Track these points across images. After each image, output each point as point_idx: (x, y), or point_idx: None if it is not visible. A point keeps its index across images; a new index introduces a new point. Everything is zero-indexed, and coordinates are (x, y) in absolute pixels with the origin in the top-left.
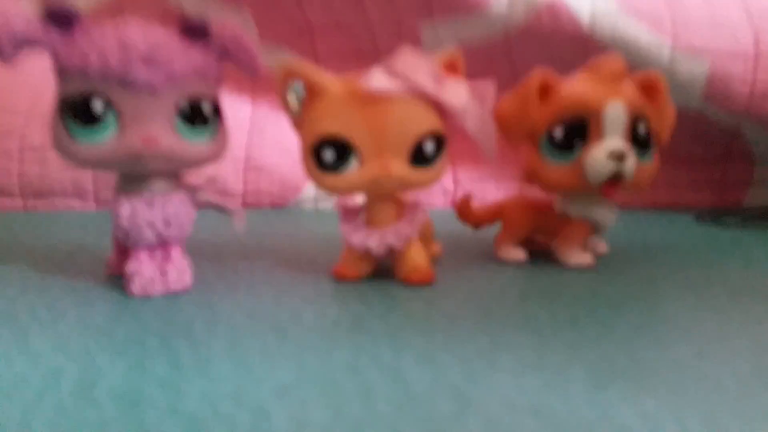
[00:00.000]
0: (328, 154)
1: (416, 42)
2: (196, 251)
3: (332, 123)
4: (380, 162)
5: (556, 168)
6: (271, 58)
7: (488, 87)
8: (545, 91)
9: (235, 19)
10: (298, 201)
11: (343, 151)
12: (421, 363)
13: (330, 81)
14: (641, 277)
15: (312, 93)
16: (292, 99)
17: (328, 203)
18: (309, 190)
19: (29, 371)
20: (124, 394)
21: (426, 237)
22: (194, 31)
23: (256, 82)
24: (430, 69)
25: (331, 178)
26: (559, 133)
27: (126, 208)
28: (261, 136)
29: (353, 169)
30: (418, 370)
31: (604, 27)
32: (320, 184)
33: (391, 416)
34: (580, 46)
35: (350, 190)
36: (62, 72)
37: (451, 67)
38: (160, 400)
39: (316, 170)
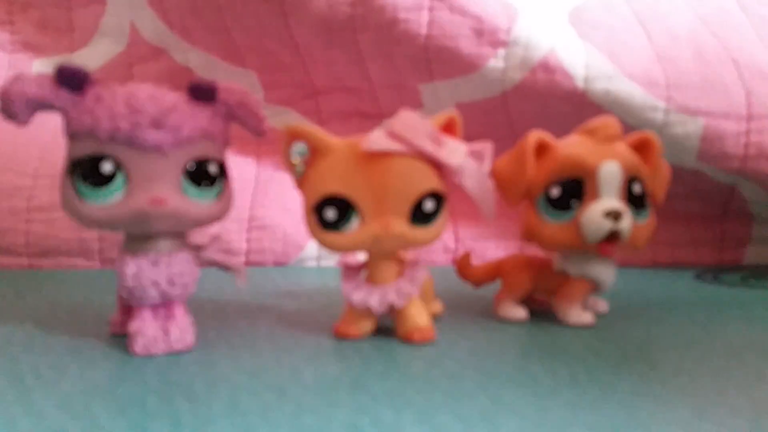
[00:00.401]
0: (330, 212)
1: (416, 101)
2: (198, 309)
3: (334, 182)
4: (381, 220)
5: (553, 226)
6: (276, 120)
7: (486, 147)
8: (541, 151)
9: (242, 82)
10: (301, 259)
11: (345, 209)
12: (422, 423)
13: (332, 141)
14: (641, 336)
15: (315, 153)
16: (296, 159)
17: (331, 261)
18: (311, 248)
19: (33, 430)
20: None
21: (427, 295)
22: (202, 94)
23: (260, 143)
24: (428, 130)
25: (332, 236)
26: (555, 192)
27: (131, 267)
28: (265, 196)
29: (354, 227)
30: (419, 430)
31: (598, 87)
32: (322, 242)
33: None
34: (576, 105)
35: (351, 248)
36: (72, 133)
37: (449, 128)
38: None
39: (318, 228)
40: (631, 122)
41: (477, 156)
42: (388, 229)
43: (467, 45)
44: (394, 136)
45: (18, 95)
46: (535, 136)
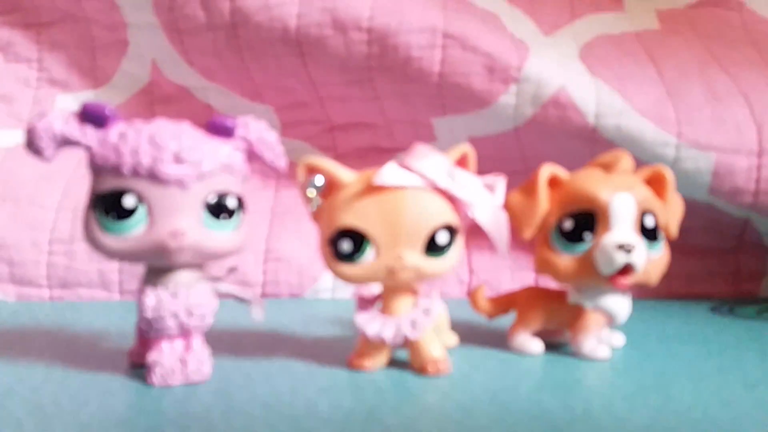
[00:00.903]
0: (345, 244)
1: (430, 135)
2: (215, 341)
3: (349, 215)
4: (395, 252)
5: (567, 259)
6: (293, 154)
7: (499, 181)
8: (554, 185)
9: (260, 117)
10: (316, 290)
11: (360, 241)
12: None
13: (348, 175)
14: (656, 369)
15: (331, 187)
16: (312, 193)
17: (345, 292)
18: (326, 280)
19: None
20: None
21: (441, 327)
22: (222, 129)
23: (278, 177)
24: (442, 164)
25: (347, 268)
26: (568, 225)
27: (152, 299)
28: (281, 228)
29: (369, 259)
30: None
31: (610, 123)
32: (337, 274)
33: None
34: (587, 140)
35: (366, 279)
36: (96, 168)
37: (462, 162)
38: None
39: (333, 260)
40: (642, 157)
41: (490, 189)
42: (401, 261)
43: (479, 81)
44: (408, 169)
45: (44, 132)
46: (547, 169)
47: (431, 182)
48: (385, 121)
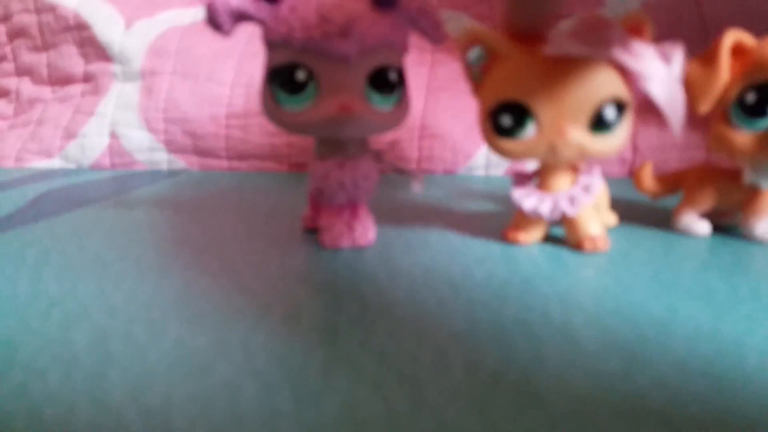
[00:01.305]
0: (506, 119)
1: (599, 2)
2: (377, 210)
3: (510, 88)
4: (558, 127)
5: (746, 135)
6: (452, 25)
7: (677, 52)
8: (738, 53)
9: None
10: (470, 167)
11: (521, 115)
12: (591, 325)
13: (510, 46)
14: None
15: (493, 58)
16: (473, 63)
17: (499, 170)
18: (480, 156)
19: (246, 305)
20: (323, 328)
21: (601, 206)
22: (385, 2)
23: (433, 51)
24: (614, 32)
25: (507, 143)
26: (751, 98)
27: (320, 170)
28: (436, 105)
29: (530, 134)
30: (588, 330)
31: None
32: (496, 149)
33: (558, 367)
34: None
35: (526, 155)
36: (270, 43)
37: (636, 30)
38: (353, 335)
39: (492, 135)
40: None
41: (666, 60)
42: (565, 137)
43: None
44: (576, 37)
45: (222, 6)
46: (731, 36)
47: (601, 52)
48: None
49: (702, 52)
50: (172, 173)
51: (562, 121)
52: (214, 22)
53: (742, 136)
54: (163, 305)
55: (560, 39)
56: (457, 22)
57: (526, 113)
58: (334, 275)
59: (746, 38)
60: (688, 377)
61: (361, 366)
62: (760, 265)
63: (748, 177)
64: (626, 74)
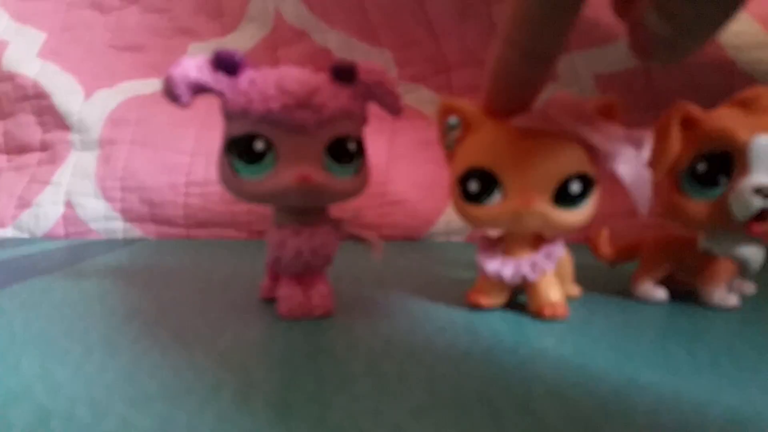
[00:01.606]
0: (473, 184)
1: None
2: (337, 279)
3: (480, 155)
4: (523, 197)
5: (698, 204)
6: (408, 97)
7: (646, 135)
8: (688, 124)
9: (377, 60)
10: (431, 234)
11: (489, 183)
12: (552, 396)
13: (483, 118)
14: None
15: (466, 128)
16: (448, 133)
17: (460, 237)
18: (441, 223)
19: (195, 382)
20: (277, 406)
21: (564, 275)
22: (343, 74)
23: (393, 121)
24: (582, 111)
25: (474, 209)
26: (702, 167)
27: (278, 238)
28: (397, 172)
29: (497, 201)
30: (549, 402)
31: (751, 57)
32: (463, 214)
33: None
34: (725, 75)
35: (491, 221)
36: (229, 114)
37: (607, 113)
38: (308, 413)
39: (460, 200)
40: None
41: (635, 143)
42: (529, 207)
43: (606, 14)
44: (546, 115)
45: (180, 79)
46: (681, 108)
47: (568, 128)
48: None
49: (652, 122)
50: (128, 242)
51: (528, 191)
52: (171, 93)
53: (695, 205)
54: (109, 383)
55: (534, 114)
56: (412, 95)
57: (494, 181)
58: (290, 348)
59: (695, 110)
60: None
61: None
62: (718, 332)
63: (702, 244)
64: (593, 152)
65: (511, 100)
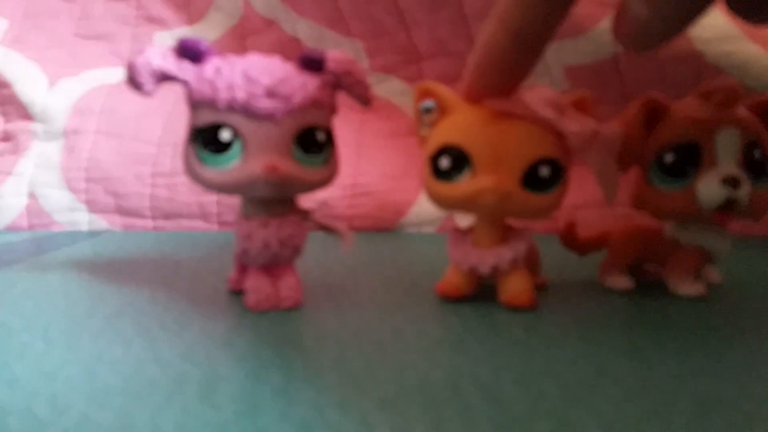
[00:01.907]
0: (444, 161)
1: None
2: (306, 271)
3: (453, 134)
4: (492, 175)
5: (666, 194)
6: (379, 87)
7: (614, 130)
8: (655, 116)
9: (348, 50)
10: (402, 225)
11: (459, 160)
12: (520, 386)
13: (459, 101)
14: (756, 309)
15: (442, 111)
16: (425, 116)
17: (431, 228)
18: (412, 215)
19: (159, 376)
20: (243, 400)
21: (532, 264)
22: (312, 64)
23: (363, 111)
24: (554, 98)
25: (442, 186)
26: (669, 158)
27: (245, 229)
28: (367, 163)
29: (465, 179)
30: (517, 392)
31: (718, 49)
32: (432, 193)
33: None
34: (693, 67)
35: (459, 199)
36: (194, 103)
37: (581, 107)
38: (275, 406)
39: (430, 177)
40: (752, 85)
41: (605, 136)
42: (497, 185)
43: (578, 5)
44: (522, 101)
45: (143, 67)
46: (647, 99)
47: (544, 116)
48: (471, 48)
49: (621, 111)
50: (93, 234)
51: (497, 170)
52: (134, 81)
53: (662, 195)
54: (70, 378)
55: (511, 99)
56: (383, 85)
57: (465, 159)
58: (257, 340)
59: (662, 101)
60: None
61: None
62: (685, 321)
63: (669, 233)
64: (565, 141)
65: (495, 83)
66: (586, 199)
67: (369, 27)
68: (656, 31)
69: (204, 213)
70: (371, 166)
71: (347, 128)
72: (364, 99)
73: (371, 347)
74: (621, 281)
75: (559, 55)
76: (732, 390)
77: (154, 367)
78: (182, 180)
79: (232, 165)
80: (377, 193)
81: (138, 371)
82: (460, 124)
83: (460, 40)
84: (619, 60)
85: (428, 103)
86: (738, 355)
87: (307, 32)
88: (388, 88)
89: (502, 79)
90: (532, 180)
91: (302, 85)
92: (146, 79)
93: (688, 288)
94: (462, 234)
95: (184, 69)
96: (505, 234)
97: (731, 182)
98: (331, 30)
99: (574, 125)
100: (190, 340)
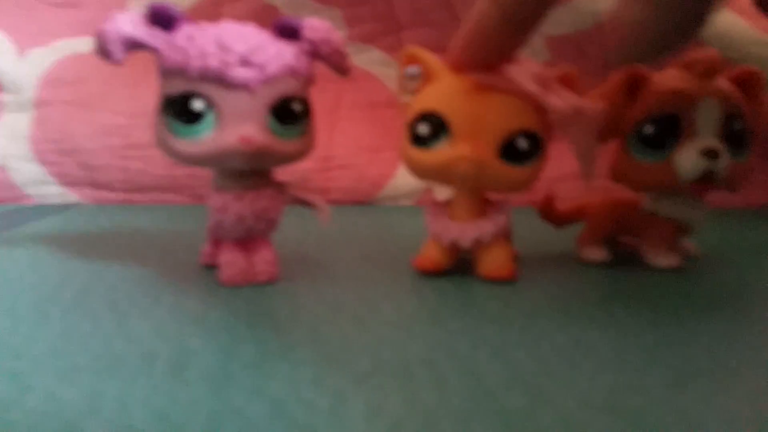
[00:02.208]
0: (423, 127)
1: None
2: (282, 244)
3: (434, 101)
4: (470, 143)
5: (645, 166)
6: (358, 57)
7: (597, 107)
8: (635, 87)
9: (326, 18)
10: (380, 198)
11: (438, 127)
12: (496, 358)
13: (445, 69)
14: (731, 280)
15: (427, 78)
16: (409, 83)
17: (409, 201)
18: (390, 188)
19: (128, 353)
20: (214, 376)
21: (508, 237)
22: (288, 31)
23: (341, 82)
24: (538, 72)
25: (420, 153)
26: (649, 129)
27: (219, 202)
28: (344, 135)
29: (443, 146)
30: (493, 365)
31: None
32: (408, 158)
33: (463, 407)
34: None
35: (436, 167)
36: (165, 71)
37: (566, 83)
38: (247, 382)
39: (408, 144)
40: (733, 56)
41: (589, 112)
42: (473, 154)
43: None
44: (507, 74)
45: (113, 34)
46: (628, 69)
47: (521, 86)
48: (454, 19)
49: (602, 82)
50: (64, 207)
51: (475, 138)
52: (103, 50)
53: (641, 167)
54: (35, 356)
55: (496, 72)
56: (362, 55)
57: (444, 126)
58: (231, 316)
59: (642, 72)
60: (591, 412)
61: (252, 417)
62: (660, 292)
63: (646, 205)
64: (546, 116)
65: (483, 58)
66: (564, 172)
67: None
68: (657, 39)
69: (177, 186)
70: (349, 138)
71: (324, 99)
72: (342, 69)
73: (347, 322)
74: (598, 253)
75: (541, 24)
76: (705, 360)
77: (123, 343)
78: (155, 152)
79: (205, 136)
80: (354, 165)
81: (106, 348)
82: (442, 92)
83: (442, 9)
84: (600, 30)
85: (413, 69)
86: (712, 326)
87: (285, 0)
88: (367, 59)
89: (490, 55)
90: (509, 152)
91: (278, 53)
92: (116, 48)
93: (663, 259)
94: (441, 207)
95: (155, 36)
96: (483, 207)
97: (710, 154)
98: None
99: (558, 101)
100: (160, 315)
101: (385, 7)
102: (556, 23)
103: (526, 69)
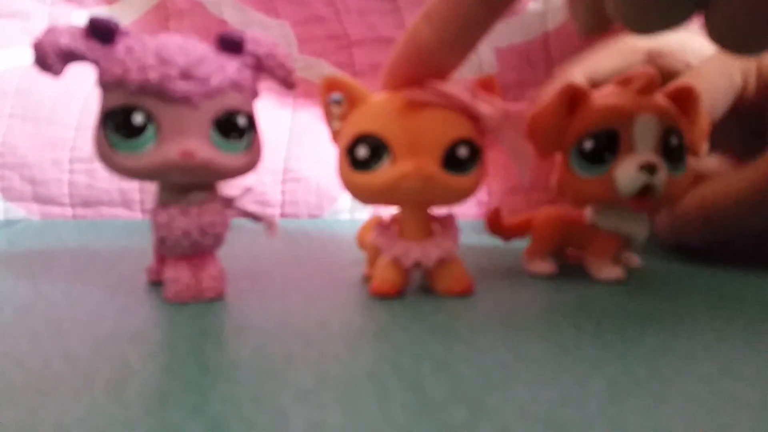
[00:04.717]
0: (362, 150)
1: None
2: (231, 260)
3: (368, 123)
4: (412, 160)
5: (585, 180)
6: (310, 72)
7: (523, 109)
8: (575, 103)
9: (276, 34)
10: (334, 211)
11: (377, 149)
12: (440, 372)
13: (368, 92)
14: (672, 292)
15: (351, 104)
16: (334, 109)
17: (364, 214)
18: (345, 200)
19: (67, 373)
20: (153, 395)
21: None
22: (230, 45)
23: (296, 95)
24: (467, 84)
25: (362, 176)
26: (588, 145)
27: (163, 217)
28: (299, 148)
29: (385, 166)
30: (436, 379)
31: None
32: (350, 184)
33: (405, 421)
34: None
35: (381, 188)
36: (104, 84)
37: (486, 87)
38: (187, 401)
39: (348, 170)
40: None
41: (514, 116)
42: (419, 169)
43: None
44: (433, 87)
45: (50, 46)
46: (568, 86)
47: (452, 97)
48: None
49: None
50: (9, 223)
51: (417, 154)
52: (42, 62)
53: (582, 182)
54: None
55: (422, 87)
56: (313, 70)
57: (383, 146)
58: (174, 333)
59: (582, 88)
60: (530, 424)
61: None
62: (603, 305)
63: (589, 219)
64: (477, 122)
65: (415, 76)
66: (511, 185)
67: (298, 10)
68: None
69: (126, 200)
70: (303, 151)
71: (280, 112)
72: (287, 82)
73: (293, 338)
74: (544, 266)
75: (489, 36)
76: (644, 371)
77: (62, 363)
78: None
79: (146, 150)
80: (309, 179)
81: (45, 368)
82: (375, 113)
83: (393, 27)
84: (548, 40)
85: (336, 95)
86: (652, 338)
87: (234, 14)
88: (319, 73)
89: (423, 74)
90: (451, 162)
91: (220, 66)
92: (54, 60)
93: (606, 272)
94: (386, 225)
95: (94, 49)
96: (428, 224)
97: (648, 168)
98: (258, 12)
99: (488, 107)
100: (102, 334)
101: (335, 24)
102: (504, 34)
103: (451, 80)
